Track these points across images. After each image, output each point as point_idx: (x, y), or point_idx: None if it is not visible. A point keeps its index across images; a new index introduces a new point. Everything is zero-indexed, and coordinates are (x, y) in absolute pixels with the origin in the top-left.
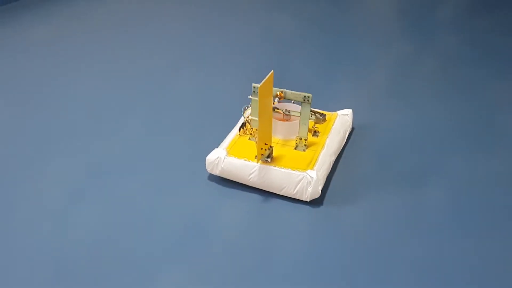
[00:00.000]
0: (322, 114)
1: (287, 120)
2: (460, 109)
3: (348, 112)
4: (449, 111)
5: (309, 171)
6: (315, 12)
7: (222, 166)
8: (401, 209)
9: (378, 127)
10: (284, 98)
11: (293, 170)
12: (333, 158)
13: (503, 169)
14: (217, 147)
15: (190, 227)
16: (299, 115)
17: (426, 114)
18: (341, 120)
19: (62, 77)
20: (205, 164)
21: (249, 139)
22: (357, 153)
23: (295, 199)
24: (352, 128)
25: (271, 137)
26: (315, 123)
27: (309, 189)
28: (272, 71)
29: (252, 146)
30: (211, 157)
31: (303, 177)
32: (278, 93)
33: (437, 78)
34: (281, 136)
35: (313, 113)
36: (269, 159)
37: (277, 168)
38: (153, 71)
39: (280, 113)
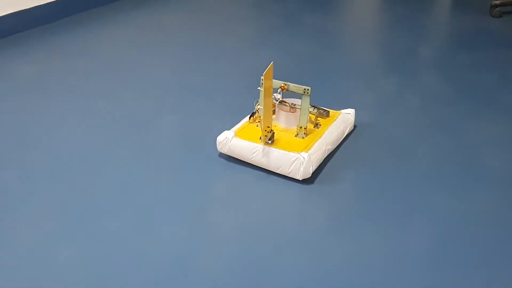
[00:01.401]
0: (326, 110)
1: (292, 112)
2: (441, 148)
3: (351, 111)
4: (430, 149)
5: (302, 153)
6: (302, 52)
7: (229, 145)
8: (387, 191)
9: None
10: (287, 90)
11: (289, 151)
12: (330, 147)
13: (485, 207)
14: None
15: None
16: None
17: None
18: (343, 118)
19: (44, 113)
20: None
21: (257, 126)
22: (355, 147)
23: (289, 177)
24: (354, 126)
25: (271, 122)
26: (317, 116)
27: (301, 169)
28: (272, 62)
29: (257, 132)
30: (221, 137)
31: (296, 158)
32: (281, 85)
33: (418, 116)
34: (286, 125)
35: (315, 107)
36: (270, 141)
37: (276, 149)
38: (136, 106)
39: (287, 105)
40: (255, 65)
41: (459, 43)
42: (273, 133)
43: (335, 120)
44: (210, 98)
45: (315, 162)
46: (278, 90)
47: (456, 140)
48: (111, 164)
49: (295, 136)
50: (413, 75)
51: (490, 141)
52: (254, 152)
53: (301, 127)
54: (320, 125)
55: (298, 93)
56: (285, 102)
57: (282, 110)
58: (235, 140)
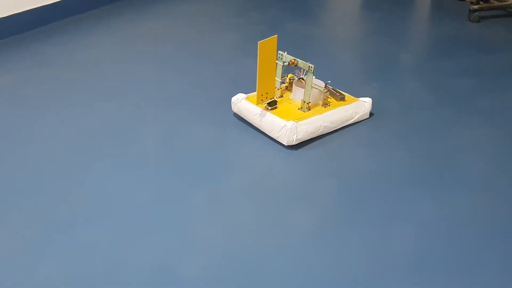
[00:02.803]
0: (341, 94)
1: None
2: (421, 152)
3: (368, 100)
4: (409, 153)
5: (290, 122)
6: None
7: (238, 105)
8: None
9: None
10: (295, 65)
11: (281, 118)
12: (328, 125)
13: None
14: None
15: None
16: (316, 86)
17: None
18: (357, 104)
19: (26, 125)
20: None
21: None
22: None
23: (278, 141)
24: (371, 114)
25: (273, 91)
26: (328, 96)
27: (286, 135)
28: (276, 35)
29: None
30: (234, 98)
31: (284, 125)
32: (291, 60)
33: (397, 121)
34: (298, 100)
35: (331, 89)
36: (269, 107)
37: (271, 115)
38: (117, 115)
39: (302, 83)
40: (238, 73)
41: (438, 48)
42: (275, 101)
43: (346, 104)
44: (193, 107)
45: (302, 132)
46: (286, 64)
47: (435, 144)
48: (90, 174)
49: (299, 109)
50: (393, 80)
51: (469, 145)
52: (255, 115)
53: (304, 102)
54: (329, 105)
55: (304, 69)
56: (303, 79)
57: (298, 87)
58: (244, 102)
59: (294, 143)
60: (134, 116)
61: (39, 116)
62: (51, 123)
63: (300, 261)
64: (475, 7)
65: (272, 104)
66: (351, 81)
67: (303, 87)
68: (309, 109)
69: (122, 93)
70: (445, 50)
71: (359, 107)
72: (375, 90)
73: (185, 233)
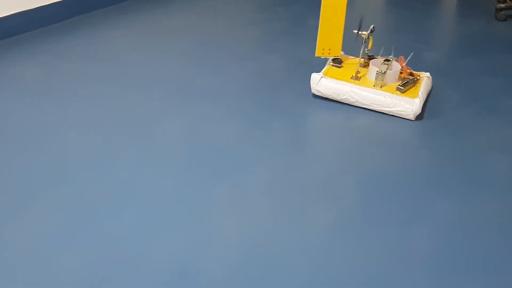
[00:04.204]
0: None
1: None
2: (446, 151)
3: (414, 101)
4: (433, 152)
5: (320, 74)
6: (307, 54)
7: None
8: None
9: None
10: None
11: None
12: (354, 96)
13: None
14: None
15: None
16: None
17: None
18: (400, 99)
19: (51, 117)
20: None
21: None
22: None
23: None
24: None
25: (338, 49)
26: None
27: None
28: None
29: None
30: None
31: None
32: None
33: (424, 119)
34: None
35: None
36: (332, 64)
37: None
38: (141, 109)
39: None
40: (260, 68)
41: (463, 46)
42: (340, 59)
43: (393, 93)
44: (216, 101)
45: (323, 85)
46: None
47: (460, 143)
48: (114, 167)
49: (351, 77)
50: None
51: (495, 145)
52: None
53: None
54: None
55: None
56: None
57: (374, 66)
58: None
59: (315, 92)
60: (158, 109)
61: (64, 109)
62: (75, 116)
63: (318, 258)
64: (502, 5)
65: (336, 62)
66: None
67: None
68: (359, 79)
69: (146, 86)
70: (471, 49)
71: (400, 103)
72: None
73: (206, 227)
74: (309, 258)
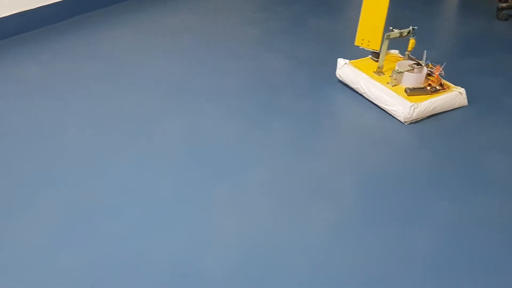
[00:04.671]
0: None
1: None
2: (445, 151)
3: (405, 104)
4: (433, 153)
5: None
6: (308, 54)
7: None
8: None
9: None
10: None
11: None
12: (366, 91)
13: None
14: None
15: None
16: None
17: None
18: (400, 99)
19: (51, 116)
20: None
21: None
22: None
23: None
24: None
25: (377, 43)
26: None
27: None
28: None
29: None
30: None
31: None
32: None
33: (423, 120)
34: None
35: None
36: (371, 57)
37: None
38: (141, 109)
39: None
40: (259, 67)
41: (464, 46)
42: (377, 53)
43: (396, 92)
44: (215, 100)
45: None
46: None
47: (460, 143)
48: (114, 166)
49: (374, 72)
50: None
51: (495, 145)
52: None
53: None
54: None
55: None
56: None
57: (398, 66)
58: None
59: (337, 76)
60: (158, 108)
61: (63, 108)
62: (75, 115)
63: (318, 257)
64: (504, 5)
65: (375, 56)
66: None
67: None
68: (379, 74)
69: (146, 85)
70: (472, 48)
71: (395, 103)
72: None
73: (206, 226)
74: (309, 258)
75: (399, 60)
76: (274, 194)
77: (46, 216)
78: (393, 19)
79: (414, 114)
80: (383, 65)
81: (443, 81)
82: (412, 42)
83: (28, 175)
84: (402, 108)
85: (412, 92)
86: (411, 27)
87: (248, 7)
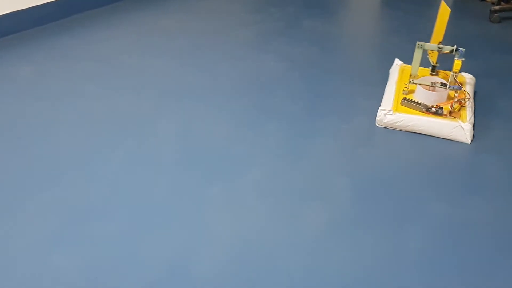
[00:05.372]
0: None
1: (431, 90)
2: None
3: (385, 108)
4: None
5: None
6: (303, 55)
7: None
8: None
9: None
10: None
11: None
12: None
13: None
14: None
15: None
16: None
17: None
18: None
19: (43, 117)
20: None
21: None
22: None
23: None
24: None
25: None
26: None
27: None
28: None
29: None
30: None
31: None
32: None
33: None
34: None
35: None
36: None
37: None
38: (134, 109)
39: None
40: (254, 68)
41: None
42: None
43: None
44: (209, 101)
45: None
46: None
47: (452, 145)
48: (107, 167)
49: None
50: None
51: (489, 147)
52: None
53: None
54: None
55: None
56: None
57: (423, 88)
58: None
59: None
60: (152, 109)
61: (56, 108)
62: (68, 115)
63: (312, 258)
64: (496, 7)
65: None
66: (369, 79)
67: (427, 88)
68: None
69: (140, 86)
70: (465, 51)
71: (382, 105)
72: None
73: (198, 227)
74: (302, 258)
75: (447, 77)
76: (268, 195)
77: (38, 217)
78: (383, 21)
79: (385, 119)
80: (416, 74)
81: (456, 110)
82: (457, 63)
83: (19, 176)
84: (377, 113)
85: (406, 103)
86: (455, 46)
87: (242, 9)
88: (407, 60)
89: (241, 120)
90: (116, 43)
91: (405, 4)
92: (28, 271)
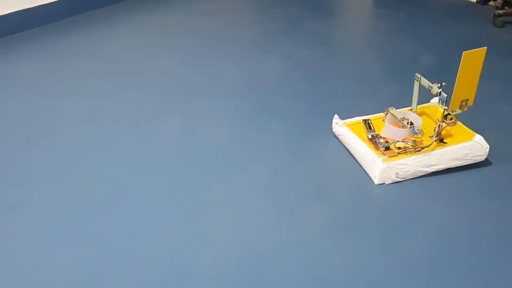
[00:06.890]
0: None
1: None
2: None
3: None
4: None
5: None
6: (305, 56)
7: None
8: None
9: None
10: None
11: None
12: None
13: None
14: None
15: None
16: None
17: None
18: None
19: (46, 115)
20: None
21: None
22: None
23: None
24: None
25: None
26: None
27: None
28: (485, 48)
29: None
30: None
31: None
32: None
33: None
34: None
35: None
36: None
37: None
38: (137, 107)
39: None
40: (257, 69)
41: (461, 52)
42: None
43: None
44: (211, 101)
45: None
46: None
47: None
48: (109, 165)
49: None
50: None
51: (491, 151)
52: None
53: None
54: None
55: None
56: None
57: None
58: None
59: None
60: (155, 108)
61: (59, 106)
62: (71, 113)
63: (314, 258)
64: (500, 12)
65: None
66: (372, 81)
67: (396, 125)
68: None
69: (143, 84)
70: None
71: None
72: (395, 90)
73: (200, 226)
74: (304, 258)
75: (439, 113)
76: (271, 194)
77: (39, 214)
78: (386, 24)
79: (335, 128)
80: (415, 109)
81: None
82: (439, 111)
83: (22, 172)
84: (334, 118)
85: (371, 139)
86: (439, 84)
87: (245, 9)
88: (412, 59)
89: (244, 119)
90: (120, 42)
91: (407, 7)
92: (29, 269)
